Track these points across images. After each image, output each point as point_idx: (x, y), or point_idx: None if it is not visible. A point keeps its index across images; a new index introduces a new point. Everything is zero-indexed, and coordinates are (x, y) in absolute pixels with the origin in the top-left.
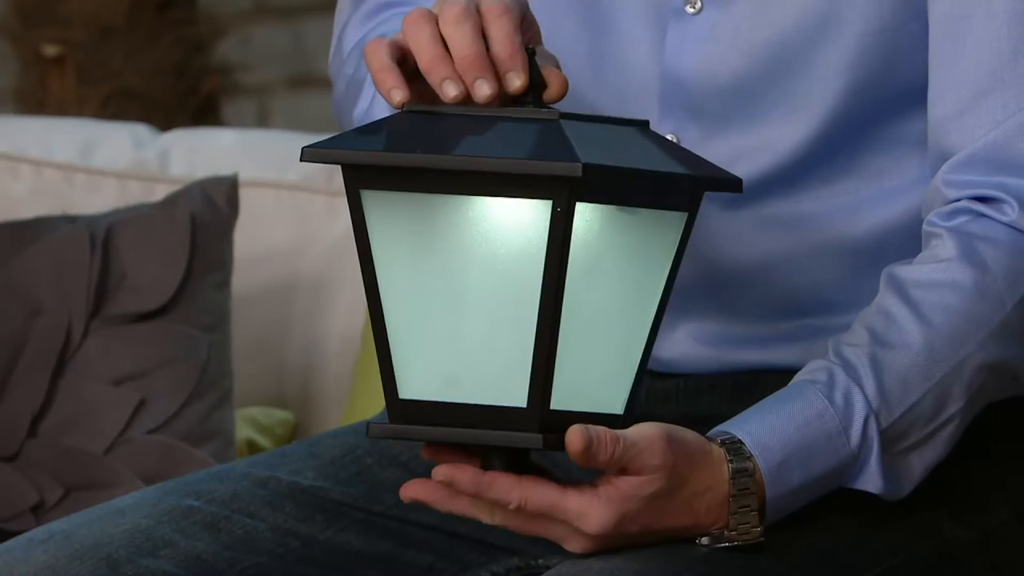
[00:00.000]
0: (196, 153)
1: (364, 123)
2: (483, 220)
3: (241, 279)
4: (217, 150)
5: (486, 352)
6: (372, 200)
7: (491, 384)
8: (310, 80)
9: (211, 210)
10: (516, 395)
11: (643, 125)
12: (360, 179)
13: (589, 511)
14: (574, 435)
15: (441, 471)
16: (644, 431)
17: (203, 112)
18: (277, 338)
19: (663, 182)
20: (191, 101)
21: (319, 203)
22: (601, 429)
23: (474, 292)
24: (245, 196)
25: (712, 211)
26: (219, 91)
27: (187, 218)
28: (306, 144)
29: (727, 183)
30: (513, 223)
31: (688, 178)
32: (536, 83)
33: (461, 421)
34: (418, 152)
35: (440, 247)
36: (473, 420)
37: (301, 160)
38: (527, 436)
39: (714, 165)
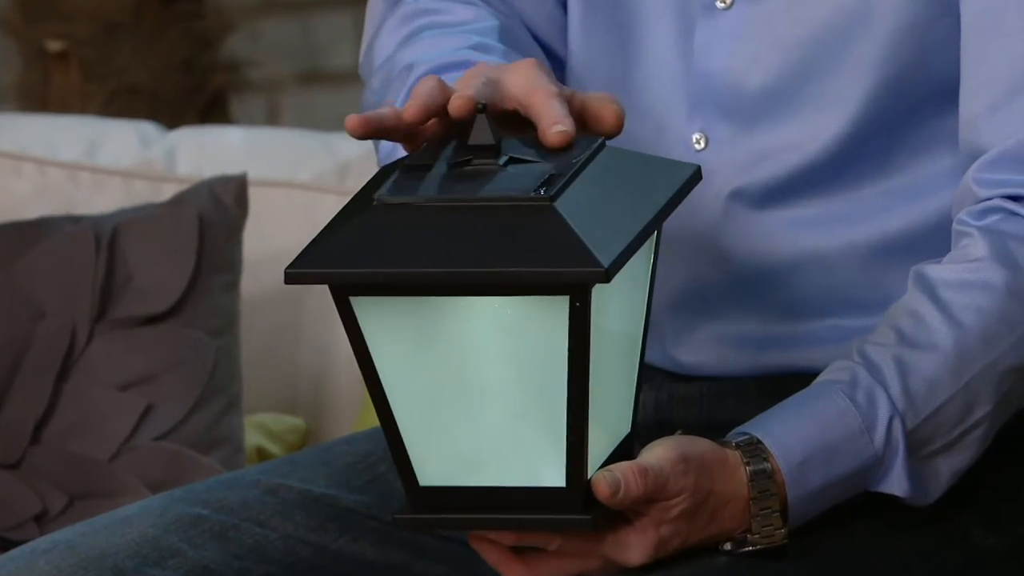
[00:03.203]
0: (204, 151)
1: (390, 160)
2: (492, 316)
3: (250, 281)
4: (225, 148)
5: (509, 435)
6: (365, 305)
7: (519, 465)
8: (321, 76)
9: (219, 210)
10: (550, 475)
11: (602, 145)
12: (349, 290)
13: (628, 544)
14: (600, 485)
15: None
16: (663, 455)
17: (211, 109)
18: (287, 342)
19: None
20: (198, 98)
21: (331, 203)
22: (624, 467)
23: (488, 382)
24: (254, 196)
25: (739, 211)
26: (227, 87)
27: (195, 218)
28: (316, 141)
29: (689, 180)
30: (526, 317)
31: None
32: (497, 138)
33: (492, 504)
34: (416, 265)
35: (446, 342)
36: (505, 503)
37: (285, 283)
38: (577, 519)
39: (672, 174)
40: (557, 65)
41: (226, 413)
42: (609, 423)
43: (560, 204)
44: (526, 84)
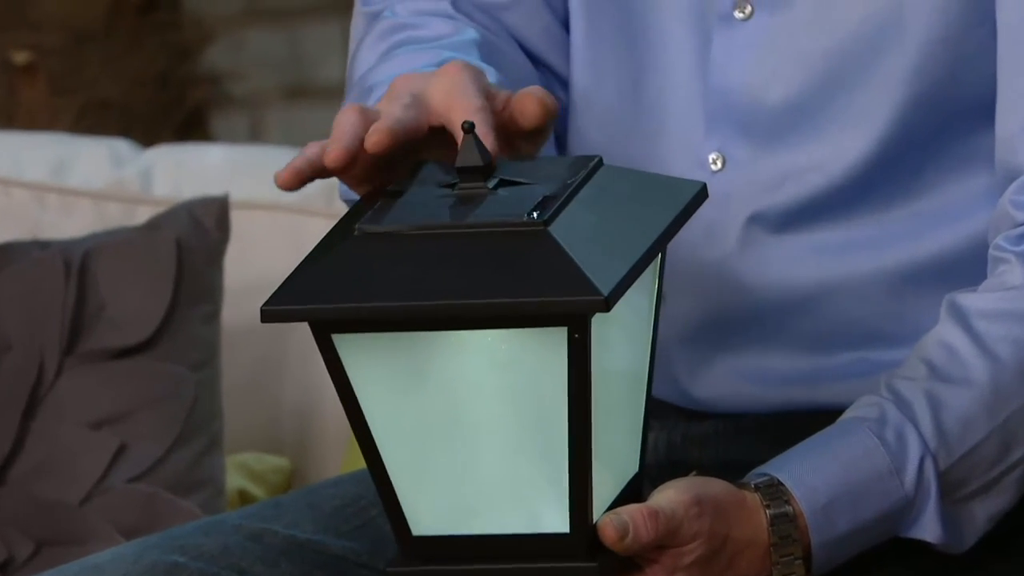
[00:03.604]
0: (182, 171)
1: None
2: (485, 351)
3: (232, 311)
4: (205, 168)
5: (506, 478)
6: (348, 343)
7: (519, 511)
8: (308, 90)
9: (199, 234)
10: (552, 520)
11: (600, 163)
12: (331, 327)
13: None
14: (607, 529)
15: None
16: (675, 497)
17: (189, 125)
18: (271, 376)
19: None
20: (176, 113)
21: (318, 226)
22: (632, 510)
23: (483, 422)
24: (236, 219)
25: (758, 235)
26: (207, 102)
27: (172, 243)
28: None
29: (696, 198)
30: (521, 351)
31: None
32: (486, 159)
33: (491, 554)
34: (401, 298)
35: (436, 380)
36: (505, 552)
37: (263, 321)
38: (582, 567)
39: (675, 196)
40: (558, 82)
41: (206, 453)
42: (615, 462)
43: (555, 228)
44: (446, 98)
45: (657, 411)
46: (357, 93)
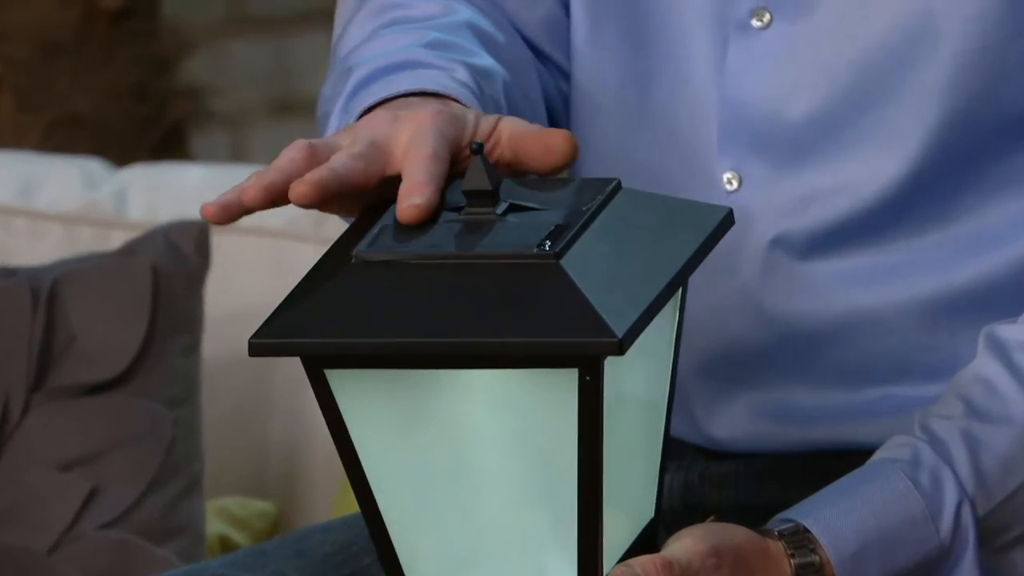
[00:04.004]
0: (159, 192)
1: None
2: (490, 392)
3: (213, 343)
4: (184, 189)
5: (511, 528)
6: (342, 379)
7: (523, 563)
8: (296, 105)
9: (177, 260)
10: (559, 573)
11: (618, 187)
12: (324, 362)
13: None
14: None
15: None
16: (692, 546)
17: (167, 143)
18: (256, 414)
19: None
20: (153, 130)
21: (305, 252)
22: (646, 561)
23: (486, 468)
24: (218, 244)
25: (782, 261)
26: (186, 118)
27: (148, 270)
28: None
29: (721, 222)
30: (529, 393)
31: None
32: (495, 183)
33: None
34: (401, 334)
35: (436, 422)
36: None
37: (251, 355)
38: None
39: (698, 218)
40: (560, 73)
41: (184, 496)
42: (628, 508)
43: (567, 261)
44: (404, 147)
45: (673, 450)
46: (338, 73)
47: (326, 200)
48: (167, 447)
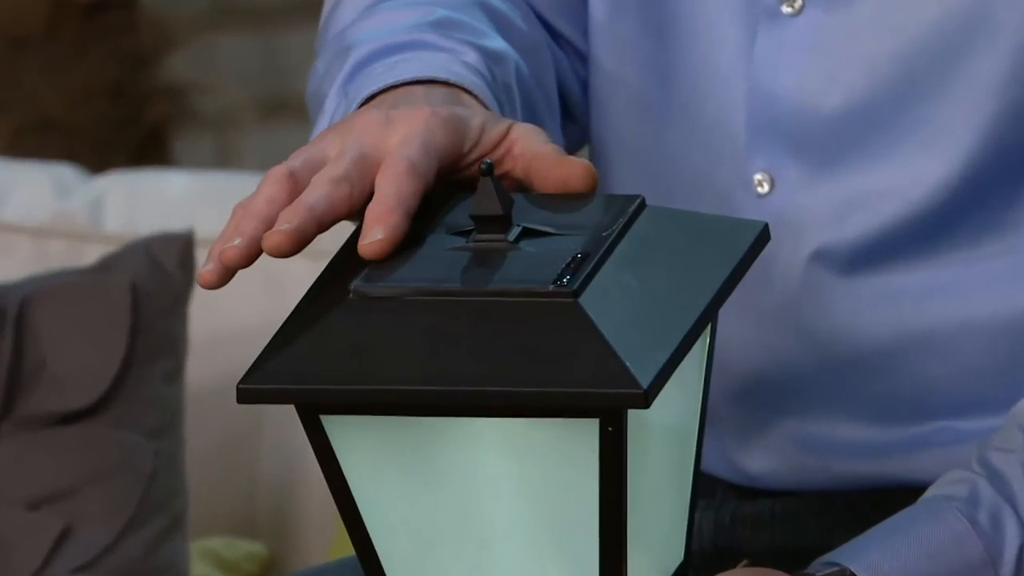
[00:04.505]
0: (138, 202)
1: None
2: (501, 441)
3: (198, 367)
4: (165, 198)
5: None
6: (340, 426)
7: None
8: (287, 105)
9: (158, 277)
10: None
11: (642, 205)
12: (320, 408)
13: None
14: None
15: None
16: None
17: (147, 148)
18: (245, 445)
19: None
20: (131, 134)
21: (299, 269)
22: None
23: (498, 522)
24: (202, 259)
25: (823, 278)
26: (168, 120)
27: (126, 288)
28: None
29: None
30: (545, 443)
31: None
32: (506, 208)
33: None
34: (403, 379)
35: (443, 473)
36: None
37: (239, 402)
38: None
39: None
40: (578, 56)
41: (166, 537)
42: (655, 553)
43: (586, 299)
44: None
45: (703, 487)
46: (332, 52)
47: (306, 243)
48: (147, 482)
